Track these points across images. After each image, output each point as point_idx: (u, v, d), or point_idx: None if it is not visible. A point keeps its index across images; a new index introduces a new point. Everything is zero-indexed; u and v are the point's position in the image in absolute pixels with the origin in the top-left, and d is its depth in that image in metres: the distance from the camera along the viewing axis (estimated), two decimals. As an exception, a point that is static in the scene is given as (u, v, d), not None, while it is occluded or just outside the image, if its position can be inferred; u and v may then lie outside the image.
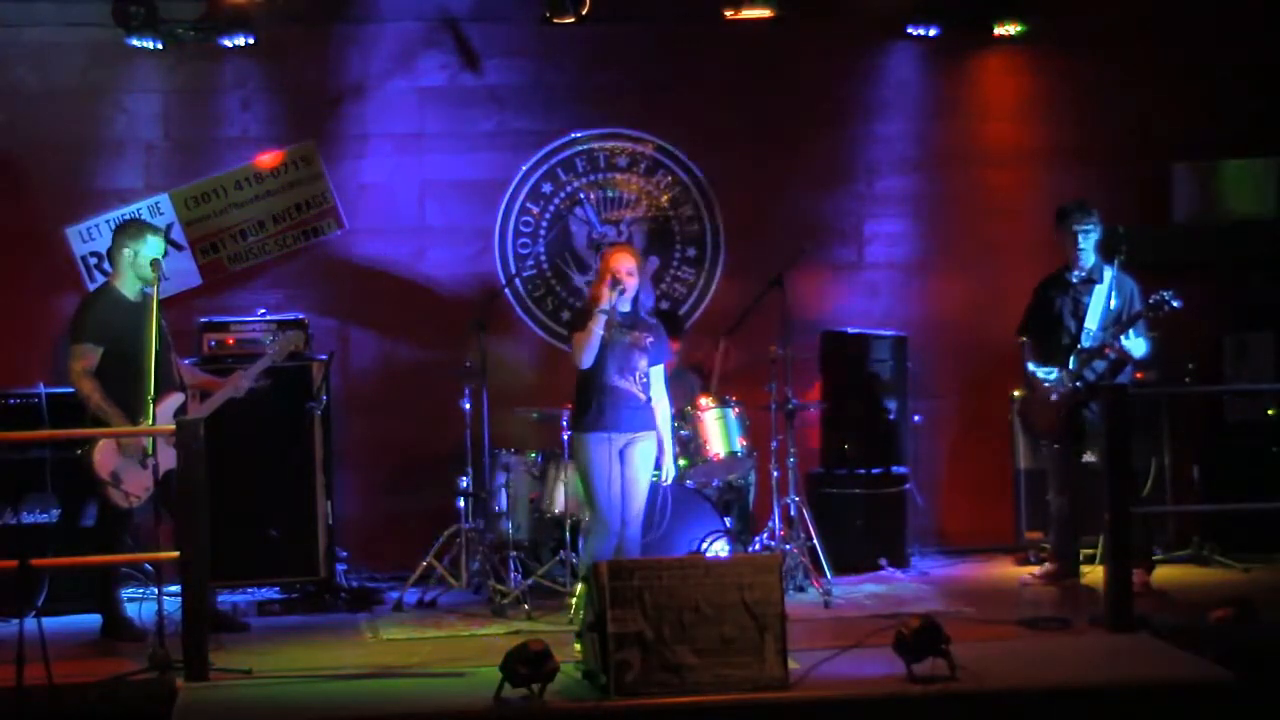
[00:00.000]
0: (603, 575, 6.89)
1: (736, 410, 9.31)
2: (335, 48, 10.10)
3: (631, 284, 8.08)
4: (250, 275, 10.04)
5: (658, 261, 10.36)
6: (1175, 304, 8.66)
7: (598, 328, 8.00)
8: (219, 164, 10.00)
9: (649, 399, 8.15)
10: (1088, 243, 9.04)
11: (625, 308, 8.12)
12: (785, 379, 9.24)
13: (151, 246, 8.28)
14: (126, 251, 8.30)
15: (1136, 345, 8.88)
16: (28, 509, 8.93)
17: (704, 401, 9.31)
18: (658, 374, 8.22)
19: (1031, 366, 9.14)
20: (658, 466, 8.25)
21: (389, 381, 10.12)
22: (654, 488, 8.33)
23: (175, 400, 8.29)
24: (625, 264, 8.09)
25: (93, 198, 9.87)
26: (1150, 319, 8.82)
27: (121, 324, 8.24)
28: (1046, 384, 9.04)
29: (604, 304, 8.01)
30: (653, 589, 6.87)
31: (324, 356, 9.32)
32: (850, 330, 10.21)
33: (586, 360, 8.04)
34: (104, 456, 8.13)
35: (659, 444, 8.22)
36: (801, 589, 9.00)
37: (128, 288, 8.34)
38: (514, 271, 10.18)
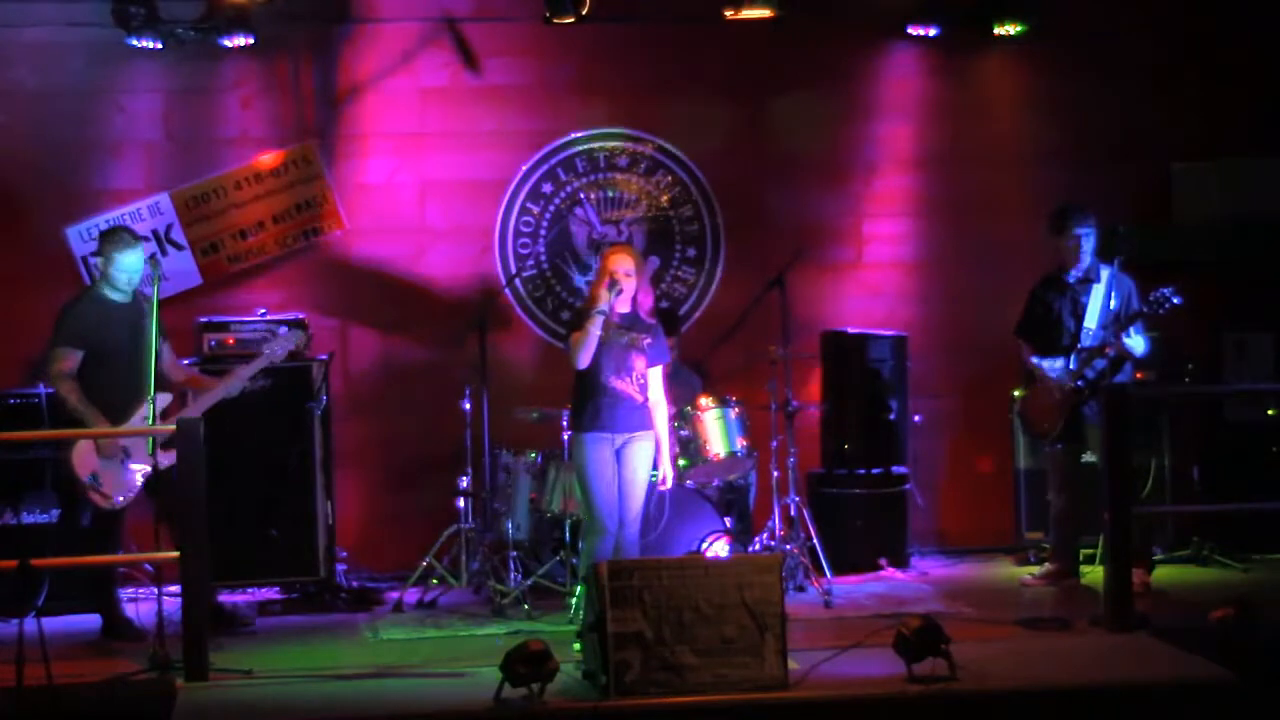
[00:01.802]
0: (603, 575, 6.89)
1: (736, 410, 9.29)
2: (335, 48, 10.10)
3: (629, 284, 8.04)
4: (250, 275, 10.04)
5: (658, 261, 10.35)
6: (1176, 300, 8.65)
7: (595, 328, 7.97)
8: (219, 164, 9.99)
9: (646, 399, 8.13)
10: (1090, 245, 9.05)
11: (624, 308, 8.11)
12: (785, 379, 9.25)
13: (122, 262, 8.26)
14: (102, 259, 8.36)
15: (1137, 343, 8.89)
16: (28, 509, 8.92)
17: (704, 401, 9.30)
18: (656, 375, 8.19)
19: (1035, 360, 9.13)
20: (655, 467, 8.23)
21: (389, 381, 10.12)
22: (651, 489, 8.32)
23: (160, 401, 8.23)
24: (623, 265, 8.07)
25: (93, 198, 9.86)
26: (1151, 316, 8.82)
27: (103, 326, 8.25)
28: (1051, 375, 9.03)
29: (601, 304, 7.99)
30: (653, 589, 6.87)
31: (324, 356, 9.33)
32: (850, 330, 10.19)
33: (584, 361, 8.02)
34: (82, 458, 8.14)
35: (656, 445, 8.20)
36: (801, 589, 9.00)
37: (111, 291, 8.34)
38: (514, 271, 10.18)
